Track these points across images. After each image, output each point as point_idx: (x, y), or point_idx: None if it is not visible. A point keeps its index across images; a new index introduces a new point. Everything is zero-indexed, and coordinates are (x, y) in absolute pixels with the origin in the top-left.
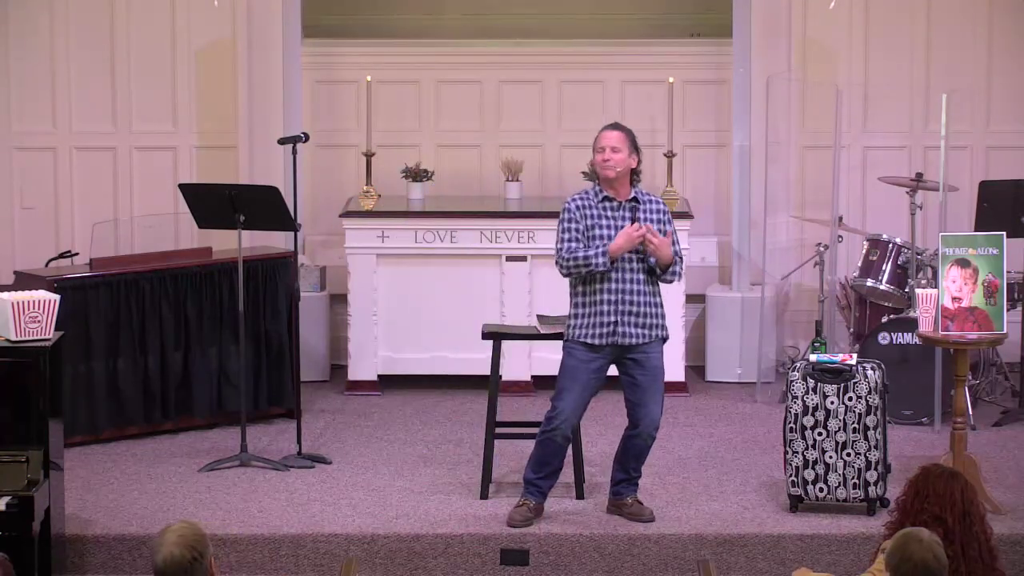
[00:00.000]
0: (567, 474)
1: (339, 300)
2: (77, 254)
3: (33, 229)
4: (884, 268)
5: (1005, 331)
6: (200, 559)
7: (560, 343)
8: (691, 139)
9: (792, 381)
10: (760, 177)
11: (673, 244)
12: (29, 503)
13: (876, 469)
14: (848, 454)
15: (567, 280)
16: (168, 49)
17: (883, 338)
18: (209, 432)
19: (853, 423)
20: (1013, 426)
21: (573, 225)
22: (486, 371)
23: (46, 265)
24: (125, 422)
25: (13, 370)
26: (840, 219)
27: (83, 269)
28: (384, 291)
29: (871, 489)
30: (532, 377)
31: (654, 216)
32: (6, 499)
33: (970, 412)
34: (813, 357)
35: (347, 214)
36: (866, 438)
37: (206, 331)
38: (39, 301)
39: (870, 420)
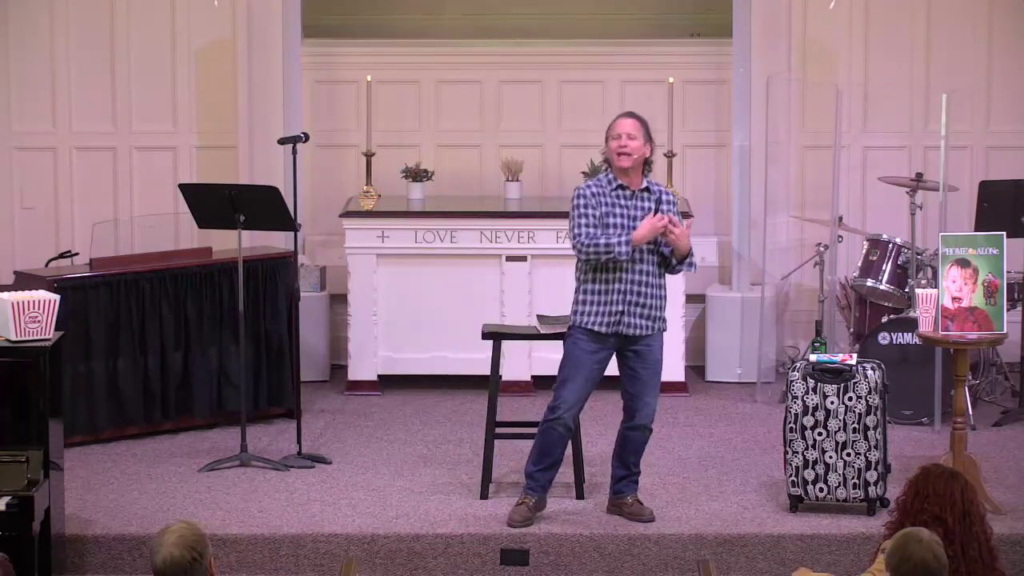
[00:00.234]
0: (567, 474)
1: (339, 300)
2: (77, 254)
3: (33, 229)
4: (884, 268)
5: (1005, 331)
6: (200, 560)
7: (560, 343)
8: (691, 139)
9: (792, 381)
10: (760, 177)
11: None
12: (29, 503)
13: (876, 469)
14: (848, 454)
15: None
16: (168, 49)
17: (883, 338)
18: (209, 432)
19: (853, 423)
20: (1013, 426)
21: (589, 211)
22: (486, 371)
23: (46, 265)
24: (125, 422)
25: (13, 370)
26: (840, 219)
27: (83, 269)
28: (384, 291)
29: (871, 489)
30: (532, 377)
31: (664, 207)
32: (6, 499)
33: (970, 412)
34: (813, 357)
35: (347, 214)
36: (866, 438)
37: (206, 331)
38: (39, 301)
39: (870, 420)
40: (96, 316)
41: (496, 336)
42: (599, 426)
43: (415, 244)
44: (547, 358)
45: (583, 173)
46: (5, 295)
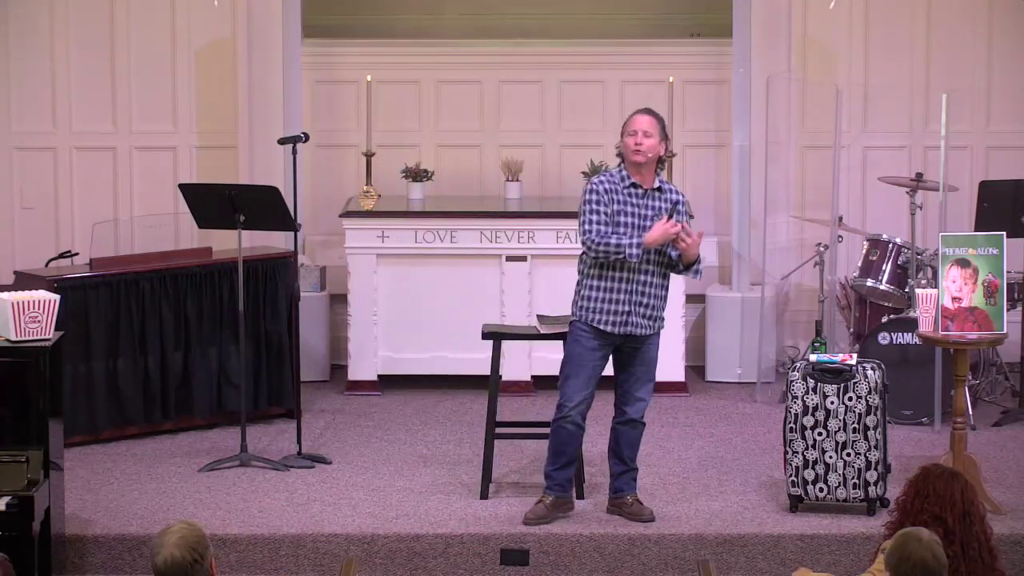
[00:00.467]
0: None
1: (339, 300)
2: (77, 254)
3: (33, 229)
4: (884, 268)
5: (1005, 331)
6: (200, 560)
7: (560, 343)
8: (691, 139)
9: (792, 381)
10: (760, 177)
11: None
12: (29, 503)
13: (876, 469)
14: (848, 454)
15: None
16: (168, 49)
17: (883, 338)
18: (209, 432)
19: (853, 423)
20: (1013, 426)
21: (601, 208)
22: (486, 371)
23: (46, 265)
24: (125, 422)
25: (13, 370)
26: (840, 219)
27: (83, 269)
28: (384, 291)
29: (871, 489)
30: (532, 377)
31: (678, 208)
32: (6, 499)
33: (970, 412)
34: (813, 357)
35: (347, 214)
36: (866, 438)
37: (206, 331)
38: (39, 301)
39: (870, 420)
40: (96, 316)
41: (496, 336)
42: (598, 426)
43: (415, 244)
44: (547, 358)
45: (583, 173)
46: (5, 295)
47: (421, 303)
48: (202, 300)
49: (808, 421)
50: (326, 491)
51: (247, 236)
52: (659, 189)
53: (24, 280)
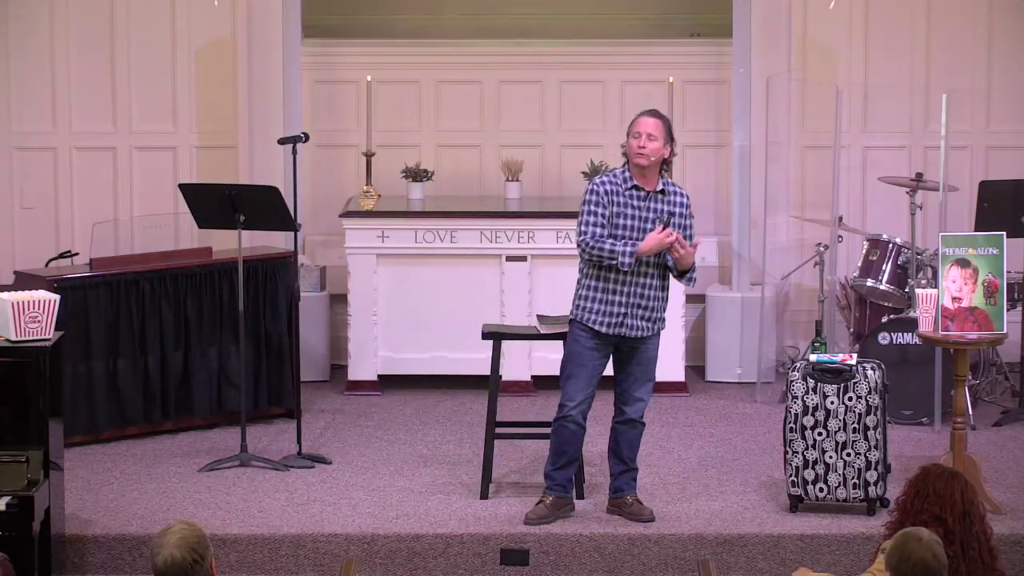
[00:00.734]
0: None
1: (339, 300)
2: (77, 254)
3: (33, 229)
4: (884, 268)
5: (1005, 331)
6: (201, 561)
7: (560, 343)
8: (691, 139)
9: (792, 381)
10: (760, 177)
11: (696, 238)
12: (29, 503)
13: (876, 469)
14: (848, 454)
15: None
16: (168, 49)
17: (883, 338)
18: (209, 432)
19: (853, 423)
20: (1013, 426)
21: (600, 209)
22: (486, 371)
23: (46, 265)
24: (125, 422)
25: (13, 370)
26: (840, 219)
27: (83, 269)
28: (384, 291)
29: (871, 489)
30: (532, 377)
31: (677, 209)
32: (6, 499)
33: (970, 412)
34: (813, 357)
35: (347, 214)
36: (866, 438)
37: (206, 331)
38: (39, 301)
39: (870, 420)
40: (96, 316)
41: (496, 336)
42: (598, 426)
43: (415, 244)
44: (547, 358)
45: (583, 173)
46: (5, 295)
47: (421, 303)
48: (202, 300)
49: (808, 421)
50: (326, 491)
51: (247, 236)
52: (662, 191)
53: (24, 280)
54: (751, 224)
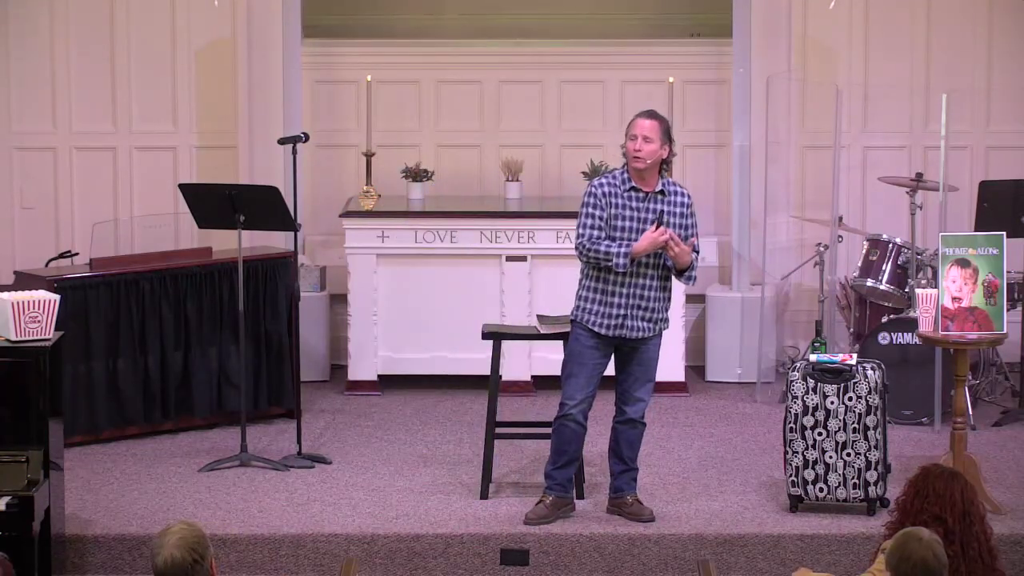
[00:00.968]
0: None
1: (339, 300)
2: (77, 254)
3: (33, 229)
4: (884, 268)
5: (1005, 331)
6: (201, 561)
7: (560, 343)
8: (691, 139)
9: (792, 381)
10: (760, 177)
11: (692, 238)
12: (29, 503)
13: (876, 469)
14: (848, 454)
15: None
16: (168, 49)
17: (883, 338)
18: (209, 432)
19: (853, 423)
20: (1013, 426)
21: (597, 212)
22: (486, 371)
23: (46, 265)
24: (125, 422)
25: (13, 370)
26: (840, 219)
27: (83, 269)
28: (384, 291)
29: (871, 489)
30: (532, 377)
31: (677, 209)
32: (6, 499)
33: (970, 412)
34: (813, 357)
35: (347, 214)
36: (866, 438)
37: (206, 331)
38: (39, 301)
39: (870, 420)
40: (96, 316)
41: (496, 336)
42: (598, 426)
43: (415, 244)
44: (547, 358)
45: (583, 173)
46: (5, 295)
47: (421, 303)
48: (202, 300)
49: (808, 421)
50: (326, 491)
51: (247, 236)
52: (661, 192)
53: (24, 280)
54: (751, 224)
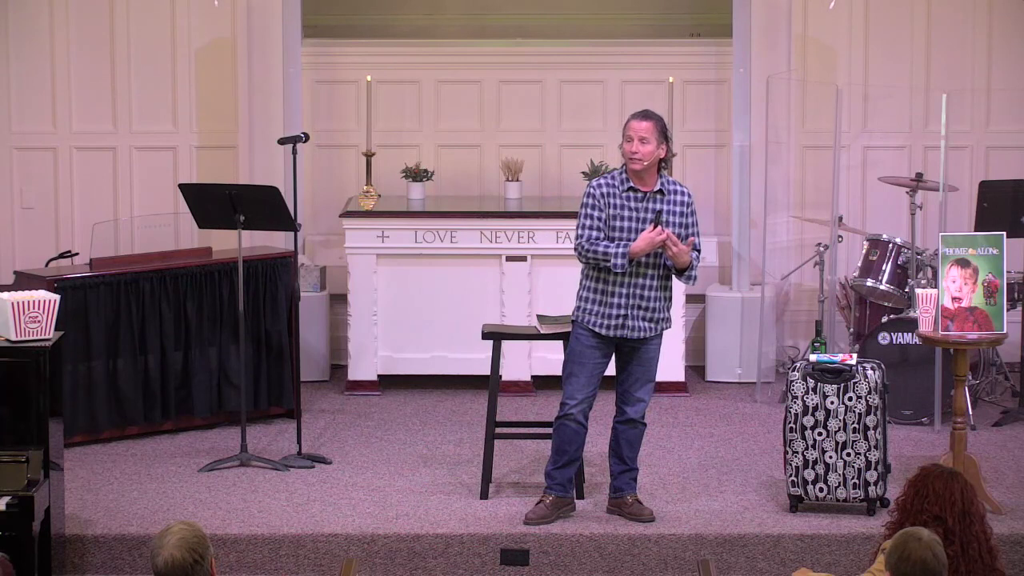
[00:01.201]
0: None
1: (339, 300)
2: (77, 254)
3: (33, 229)
4: (884, 268)
5: (1005, 331)
6: (201, 561)
7: (560, 343)
8: (691, 139)
9: (792, 381)
10: (760, 177)
11: (692, 236)
12: (29, 503)
13: (876, 469)
14: (848, 454)
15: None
16: (168, 49)
17: (883, 338)
18: (209, 432)
19: (853, 423)
20: (1013, 426)
21: (596, 212)
22: (486, 371)
23: (46, 265)
24: (125, 422)
25: (13, 370)
26: (840, 219)
27: (83, 269)
28: (384, 291)
29: (871, 489)
30: (532, 377)
31: (677, 208)
32: (6, 499)
33: (970, 412)
34: (813, 357)
35: (347, 214)
36: (866, 438)
37: (206, 331)
38: (39, 301)
39: (870, 420)
40: (96, 316)
41: (496, 336)
42: (598, 426)
43: (415, 244)
44: (547, 358)
45: (583, 173)
46: (5, 295)
47: (421, 303)
48: (202, 300)
49: (808, 421)
50: (326, 491)
51: (247, 236)
52: (660, 192)
53: (24, 280)
54: (751, 224)
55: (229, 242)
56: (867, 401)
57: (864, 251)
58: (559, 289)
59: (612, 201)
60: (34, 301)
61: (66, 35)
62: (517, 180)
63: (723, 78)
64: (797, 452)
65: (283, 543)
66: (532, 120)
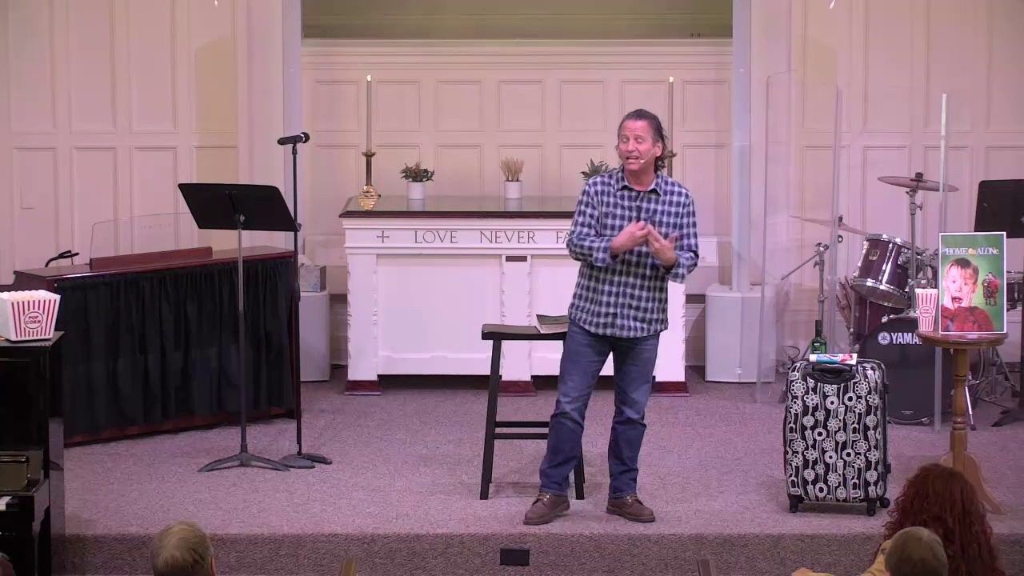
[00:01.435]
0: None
1: (339, 300)
2: (77, 254)
3: (33, 229)
4: (884, 268)
5: (1005, 331)
6: (201, 562)
7: (560, 343)
8: (691, 139)
9: (792, 381)
10: (760, 177)
11: (686, 238)
12: (29, 503)
13: (876, 469)
14: (848, 454)
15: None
16: (168, 49)
17: (883, 338)
18: (209, 432)
19: (853, 423)
20: (1013, 426)
21: (588, 210)
22: (486, 371)
23: (46, 265)
24: (125, 422)
25: (13, 370)
26: (840, 219)
27: (83, 269)
28: (384, 291)
29: (871, 489)
30: (532, 377)
31: (672, 208)
32: (6, 499)
33: (970, 412)
34: (813, 357)
35: (347, 214)
36: (866, 438)
37: (206, 331)
38: (39, 301)
39: (870, 420)
40: (96, 316)
41: (496, 336)
42: (598, 426)
43: (415, 244)
44: (547, 358)
45: (583, 173)
46: (5, 295)
47: (421, 303)
48: (202, 300)
49: (808, 421)
50: (326, 491)
51: (247, 236)
52: (654, 191)
53: (24, 280)
54: (751, 224)
55: (229, 242)
56: (867, 401)
57: (864, 251)
58: (559, 289)
59: (605, 199)
60: (34, 301)
61: (66, 35)
62: (517, 180)
63: (723, 78)
64: (797, 452)
65: (283, 543)
66: (532, 120)
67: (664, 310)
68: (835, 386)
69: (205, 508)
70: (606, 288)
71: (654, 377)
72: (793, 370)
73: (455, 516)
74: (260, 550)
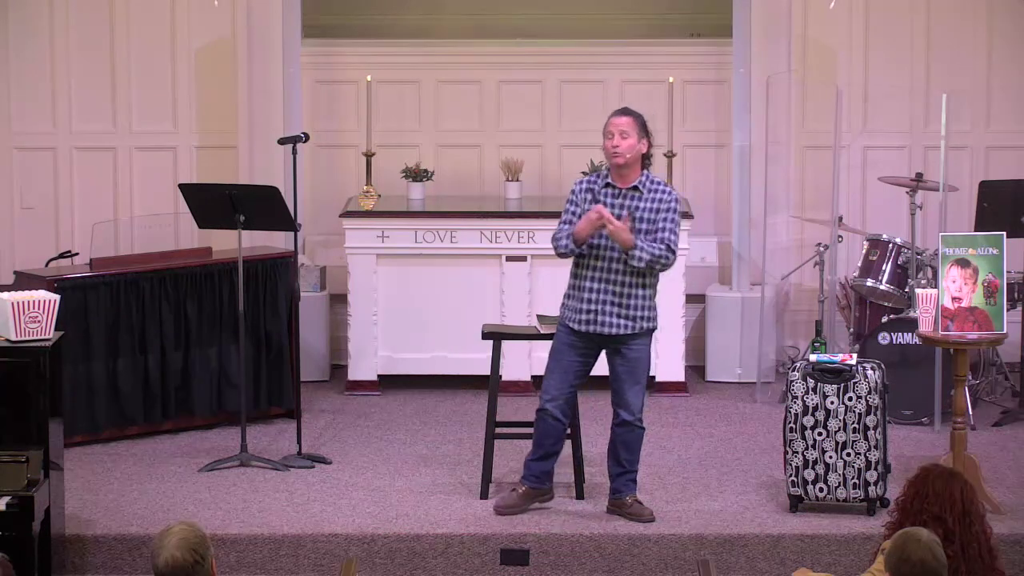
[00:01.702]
0: (567, 474)
1: (339, 300)
2: (77, 254)
3: (33, 229)
4: (884, 268)
5: (1005, 331)
6: (202, 562)
7: None
8: (691, 139)
9: (792, 381)
10: (760, 177)
11: (661, 231)
12: (29, 503)
13: (876, 469)
14: (848, 454)
15: (568, 275)
16: (168, 49)
17: (883, 338)
18: (209, 432)
19: (853, 423)
20: (1013, 426)
21: (572, 208)
22: (486, 371)
23: (46, 265)
24: (125, 422)
25: (13, 370)
26: (840, 219)
27: (83, 269)
28: (384, 291)
29: (871, 489)
30: (532, 377)
31: (652, 204)
32: (6, 499)
33: (970, 412)
34: (813, 357)
35: (347, 214)
36: (866, 438)
37: (206, 331)
38: (39, 301)
39: (870, 420)
40: (96, 316)
41: (496, 336)
42: (599, 426)
43: (415, 244)
44: (546, 358)
45: (583, 173)
46: (5, 295)
47: (421, 303)
48: (202, 300)
49: (808, 421)
50: (326, 491)
51: (247, 236)
52: (636, 188)
53: (24, 280)
54: (751, 224)
55: (229, 242)
56: (867, 401)
57: (864, 251)
58: (559, 289)
59: (590, 197)
60: (34, 301)
61: (66, 35)
62: (517, 180)
63: (723, 78)
64: (797, 452)
65: (283, 543)
66: (532, 120)
67: (651, 307)
68: (835, 386)
69: (205, 508)
70: (587, 284)
71: (653, 377)
72: (793, 370)
73: (455, 516)
74: (260, 550)
